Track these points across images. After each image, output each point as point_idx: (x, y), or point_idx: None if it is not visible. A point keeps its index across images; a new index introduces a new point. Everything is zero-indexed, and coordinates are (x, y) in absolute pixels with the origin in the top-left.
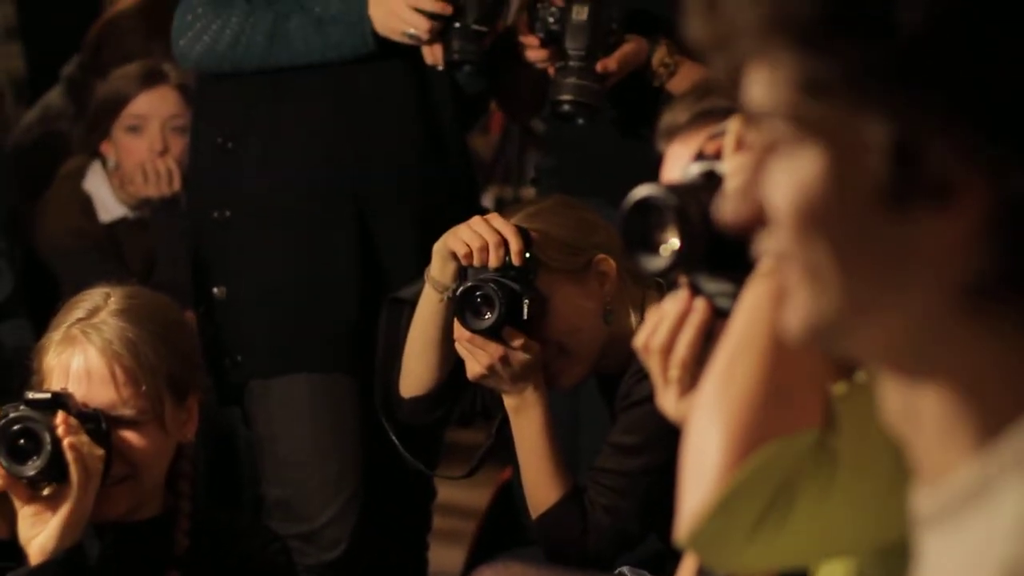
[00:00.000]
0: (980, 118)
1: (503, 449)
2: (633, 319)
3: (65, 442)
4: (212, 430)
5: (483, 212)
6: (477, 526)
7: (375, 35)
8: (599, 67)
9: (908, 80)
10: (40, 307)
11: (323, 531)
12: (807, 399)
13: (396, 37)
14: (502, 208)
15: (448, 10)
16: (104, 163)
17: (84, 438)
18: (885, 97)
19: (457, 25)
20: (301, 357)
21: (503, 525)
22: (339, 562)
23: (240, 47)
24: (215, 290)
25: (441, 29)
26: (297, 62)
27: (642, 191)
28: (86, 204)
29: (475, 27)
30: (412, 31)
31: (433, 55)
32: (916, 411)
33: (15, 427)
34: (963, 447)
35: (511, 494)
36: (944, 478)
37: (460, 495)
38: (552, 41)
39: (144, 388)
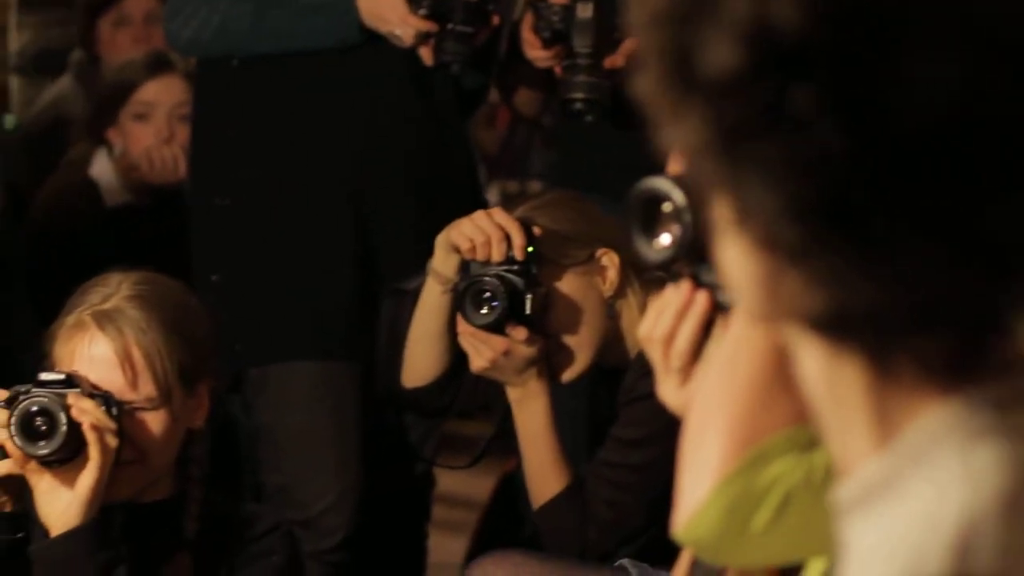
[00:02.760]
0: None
1: (507, 440)
2: (636, 313)
3: (84, 420)
4: (213, 417)
5: (486, 204)
6: (478, 517)
7: (361, 26)
8: (606, 64)
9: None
10: (45, 294)
11: (321, 519)
12: None
13: (382, 33)
14: (506, 202)
15: (434, 27)
16: (110, 150)
17: (101, 415)
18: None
19: (449, 26)
20: (299, 345)
21: (505, 516)
22: (337, 549)
23: (227, 33)
24: (213, 277)
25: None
26: (283, 49)
27: (647, 183)
28: (91, 190)
29: (462, 28)
30: (398, 33)
31: (424, 54)
32: (819, 418)
33: (30, 408)
34: (865, 448)
35: (514, 485)
36: (856, 470)
37: (463, 486)
38: (558, 40)
39: (154, 376)
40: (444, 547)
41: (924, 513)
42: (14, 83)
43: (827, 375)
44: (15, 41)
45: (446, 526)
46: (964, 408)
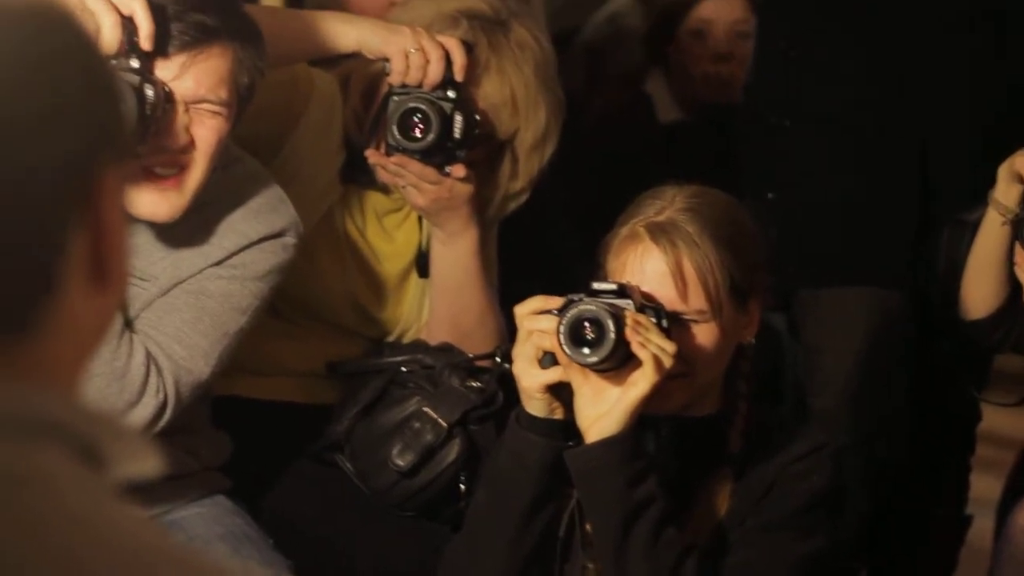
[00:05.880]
0: None
1: None
2: None
3: (635, 338)
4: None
5: None
6: (1017, 456)
7: None
8: None
9: None
10: (595, 203)
11: (862, 444)
12: None
13: None
14: None
15: None
16: (666, 65)
17: (653, 331)
18: None
19: None
20: (853, 270)
21: None
22: (872, 478)
23: None
24: (769, 195)
25: None
26: None
27: None
28: (645, 105)
29: None
30: None
31: None
32: None
33: (581, 316)
34: None
35: None
36: None
37: (1003, 424)
38: None
39: (705, 290)
40: (979, 484)
41: None
42: None
43: None
44: None
45: (982, 463)
46: None
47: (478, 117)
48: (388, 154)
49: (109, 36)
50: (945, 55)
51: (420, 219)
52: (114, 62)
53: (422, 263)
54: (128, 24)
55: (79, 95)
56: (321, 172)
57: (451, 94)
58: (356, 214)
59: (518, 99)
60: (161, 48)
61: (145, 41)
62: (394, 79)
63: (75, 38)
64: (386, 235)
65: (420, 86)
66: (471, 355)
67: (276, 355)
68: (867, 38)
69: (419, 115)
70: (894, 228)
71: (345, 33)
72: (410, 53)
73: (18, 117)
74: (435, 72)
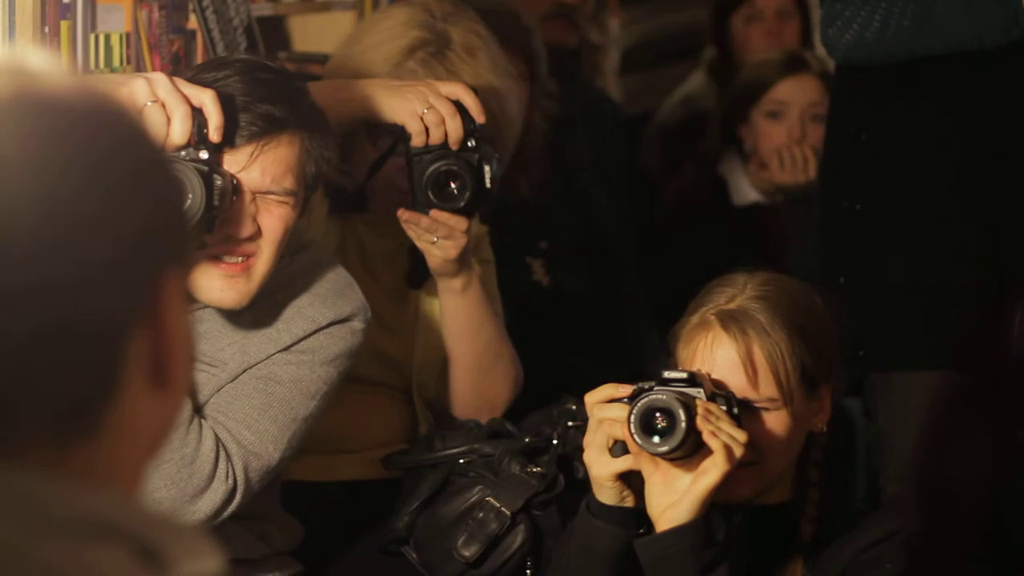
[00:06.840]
0: None
1: None
2: None
3: (706, 427)
4: (833, 420)
5: None
6: None
7: None
8: None
9: None
10: (668, 284)
11: None
12: None
13: None
14: None
15: None
16: (740, 147)
17: (724, 420)
18: None
19: None
20: (925, 354)
21: None
22: None
23: (889, 33)
24: (840, 279)
25: None
26: (946, 48)
27: None
28: (719, 187)
29: None
30: None
31: None
32: None
33: (651, 405)
34: None
35: None
36: None
37: None
38: None
39: (775, 378)
40: None
41: None
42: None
43: None
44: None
45: None
46: None
47: (498, 156)
48: (415, 210)
49: (179, 128)
50: (1014, 136)
51: (409, 249)
52: (183, 153)
53: (416, 276)
54: (198, 115)
55: (135, 197)
56: (310, 226)
57: (471, 143)
58: (355, 265)
59: (491, 106)
60: (230, 139)
61: (214, 133)
62: (415, 142)
63: (131, 138)
64: (386, 276)
65: (440, 143)
66: (527, 440)
67: (333, 433)
68: (936, 121)
69: (451, 175)
70: (963, 310)
71: (350, 101)
72: (423, 114)
73: (74, 221)
74: (455, 130)
